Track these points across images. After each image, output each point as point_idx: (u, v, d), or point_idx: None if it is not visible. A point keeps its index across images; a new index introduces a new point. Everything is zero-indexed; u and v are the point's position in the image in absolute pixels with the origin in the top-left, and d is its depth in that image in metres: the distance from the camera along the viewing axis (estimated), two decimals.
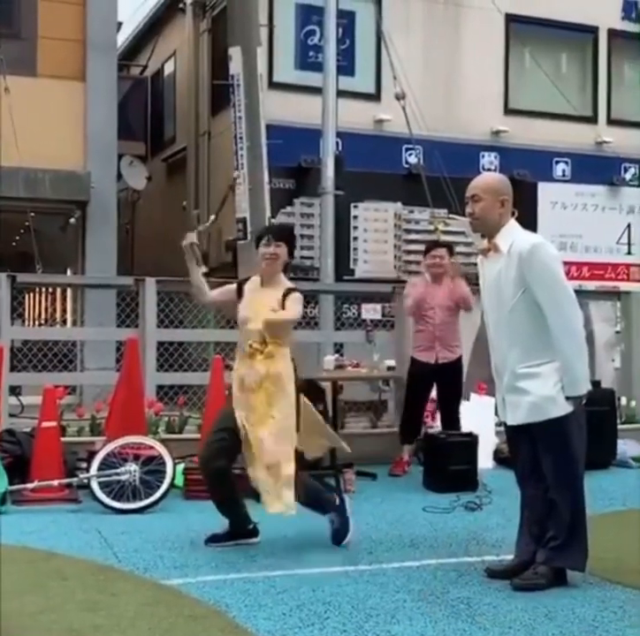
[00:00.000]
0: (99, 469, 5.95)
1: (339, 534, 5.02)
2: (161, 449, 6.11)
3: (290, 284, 5.06)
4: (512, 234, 4.37)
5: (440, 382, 7.07)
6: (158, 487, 5.92)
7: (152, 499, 5.89)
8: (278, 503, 4.80)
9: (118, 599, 4.01)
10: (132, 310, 8.05)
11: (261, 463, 4.83)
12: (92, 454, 6.23)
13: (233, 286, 5.20)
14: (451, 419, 7.03)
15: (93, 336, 9.76)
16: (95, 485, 5.89)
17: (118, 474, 5.92)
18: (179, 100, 15.11)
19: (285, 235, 5.13)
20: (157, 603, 3.97)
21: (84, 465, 6.34)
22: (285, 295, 4.94)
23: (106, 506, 5.82)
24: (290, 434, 4.85)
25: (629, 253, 13.81)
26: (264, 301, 4.95)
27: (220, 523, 5.54)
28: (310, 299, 9.73)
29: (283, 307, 4.91)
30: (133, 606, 3.91)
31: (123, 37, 15.77)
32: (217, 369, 6.67)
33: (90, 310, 10.21)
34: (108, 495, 5.86)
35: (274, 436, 4.81)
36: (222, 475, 4.92)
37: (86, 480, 5.99)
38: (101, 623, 3.68)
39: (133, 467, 5.94)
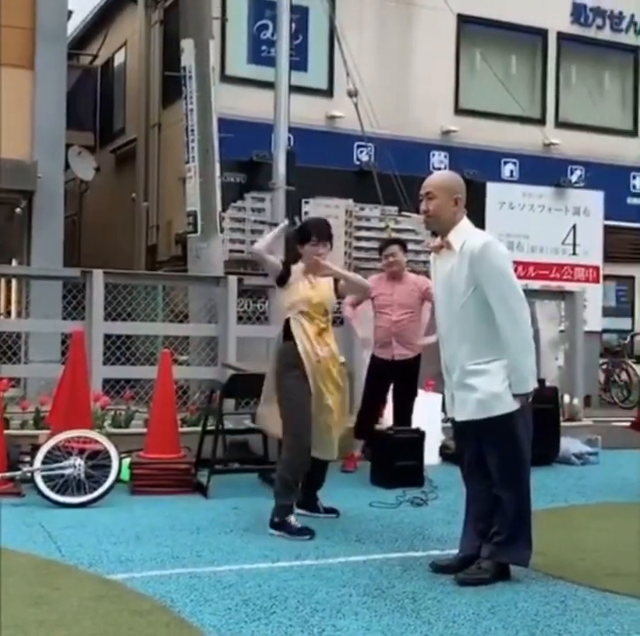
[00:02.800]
0: (43, 463, 5.87)
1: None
2: (106, 443, 6.04)
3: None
4: (464, 232, 4.41)
5: (396, 379, 7.03)
6: (103, 481, 5.86)
7: (97, 493, 5.82)
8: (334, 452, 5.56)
9: (61, 594, 3.96)
10: (78, 302, 7.96)
11: (342, 423, 5.52)
12: (36, 447, 6.14)
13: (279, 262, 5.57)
14: (404, 416, 7.02)
15: (38, 328, 9.61)
16: (38, 479, 5.81)
17: (62, 468, 5.84)
18: (130, 91, 14.96)
19: (330, 235, 5.56)
20: (102, 598, 3.93)
21: (27, 458, 6.25)
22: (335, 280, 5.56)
23: (50, 500, 5.74)
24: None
25: (574, 253, 14.04)
26: (324, 287, 5.48)
27: (166, 518, 5.51)
28: (261, 293, 9.74)
29: (336, 289, 5.53)
30: (76, 601, 3.87)
31: (73, 26, 15.53)
32: (165, 363, 6.61)
33: (35, 302, 10.05)
34: (52, 489, 5.78)
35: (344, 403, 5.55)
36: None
37: (29, 474, 5.90)
38: (44, 618, 3.63)
39: (77, 461, 5.87)
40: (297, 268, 5.52)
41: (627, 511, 6.08)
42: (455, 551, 4.55)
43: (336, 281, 5.58)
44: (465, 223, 4.45)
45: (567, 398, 8.94)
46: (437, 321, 4.61)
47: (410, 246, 7.89)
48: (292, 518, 5.19)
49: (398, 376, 7.04)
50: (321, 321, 5.40)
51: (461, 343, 4.36)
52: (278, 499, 5.24)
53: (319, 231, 5.49)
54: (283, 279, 5.46)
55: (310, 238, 5.43)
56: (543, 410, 7.13)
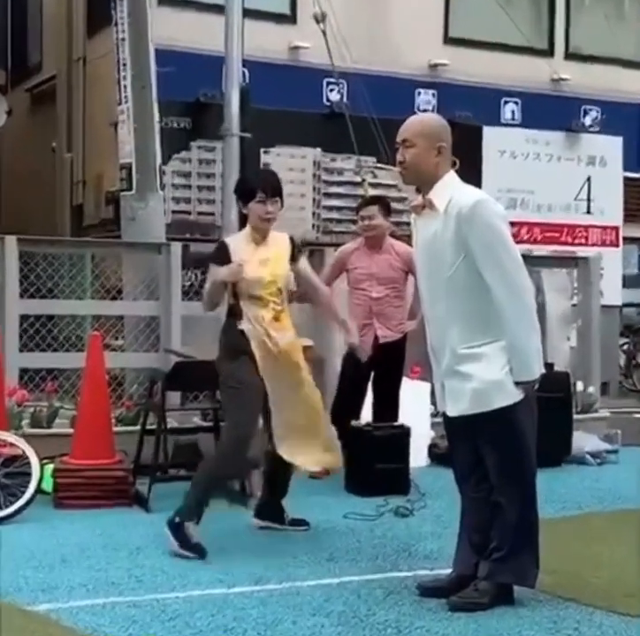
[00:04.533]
0: None
1: None
2: (25, 446, 6.04)
3: (283, 233, 5.55)
4: (450, 188, 4.42)
5: (378, 365, 7.03)
6: (22, 493, 5.86)
7: (14, 508, 5.81)
8: (326, 457, 5.62)
9: None
10: None
11: (297, 425, 5.42)
12: None
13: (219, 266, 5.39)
14: (388, 409, 7.04)
15: None
16: None
17: None
18: (47, 18, 14.78)
19: (279, 189, 5.46)
20: (21, 632, 3.93)
21: None
22: (292, 242, 5.52)
23: None
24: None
25: (589, 212, 14.12)
26: (277, 258, 5.42)
27: (98, 536, 5.51)
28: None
29: (293, 255, 5.48)
30: None
31: None
32: (95, 349, 6.60)
33: None
34: None
35: (311, 397, 5.51)
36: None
37: None
38: None
39: None
40: (238, 244, 5.45)
41: None
42: (447, 570, 4.60)
43: (294, 258, 5.53)
44: (451, 178, 4.46)
45: (580, 386, 9.02)
46: (420, 296, 4.62)
47: (391, 205, 7.88)
48: (191, 527, 5.15)
49: (380, 362, 7.05)
50: (276, 303, 5.38)
51: (451, 322, 4.37)
52: (191, 496, 5.22)
53: (265, 186, 5.42)
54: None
55: (255, 194, 5.37)
56: (552, 400, 7.21)
